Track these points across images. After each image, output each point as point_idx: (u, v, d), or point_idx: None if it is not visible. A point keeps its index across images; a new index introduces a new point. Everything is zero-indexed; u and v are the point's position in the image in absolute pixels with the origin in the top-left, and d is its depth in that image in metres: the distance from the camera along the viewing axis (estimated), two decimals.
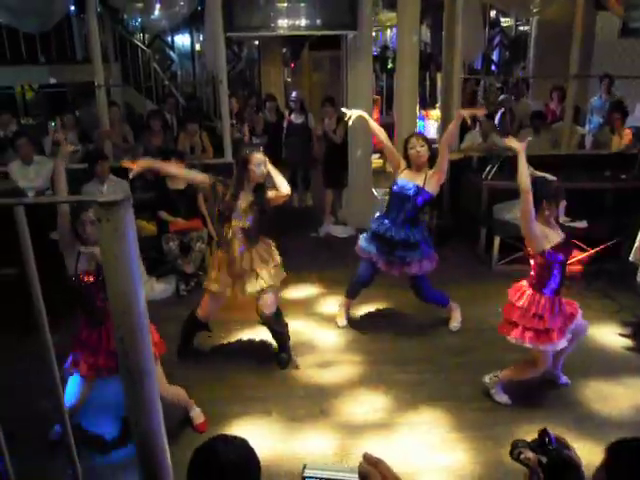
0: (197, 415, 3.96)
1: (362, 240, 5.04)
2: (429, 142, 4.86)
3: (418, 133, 5.16)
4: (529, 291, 3.85)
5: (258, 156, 4.24)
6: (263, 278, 4.35)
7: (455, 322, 5.22)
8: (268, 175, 4.35)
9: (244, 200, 4.28)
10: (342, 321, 5.31)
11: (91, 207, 3.42)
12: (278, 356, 4.72)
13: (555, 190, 3.77)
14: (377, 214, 5.10)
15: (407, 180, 4.79)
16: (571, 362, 4.33)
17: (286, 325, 4.74)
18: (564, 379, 4.33)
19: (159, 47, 12.91)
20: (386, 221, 4.89)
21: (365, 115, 4.88)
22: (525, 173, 3.65)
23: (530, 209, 3.64)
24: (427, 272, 4.97)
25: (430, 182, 4.74)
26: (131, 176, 4.12)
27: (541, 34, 10.63)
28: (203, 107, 10.85)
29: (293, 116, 8.32)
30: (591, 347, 4.83)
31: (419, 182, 4.74)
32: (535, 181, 3.75)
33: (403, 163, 4.86)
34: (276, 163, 8.58)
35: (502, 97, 9.54)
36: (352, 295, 5.30)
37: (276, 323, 4.64)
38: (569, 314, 3.92)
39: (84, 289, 3.49)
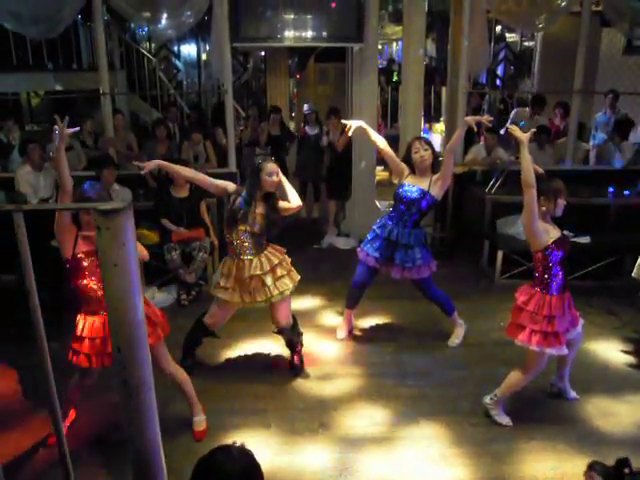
0: (199, 422, 3.96)
1: (365, 244, 5.01)
2: (432, 145, 4.87)
3: (421, 137, 5.15)
4: (538, 294, 3.83)
5: (270, 165, 4.26)
6: (271, 286, 4.31)
7: (455, 339, 5.19)
8: (280, 186, 4.36)
9: (254, 207, 4.29)
10: (342, 333, 5.28)
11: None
12: (292, 364, 4.72)
13: (554, 187, 3.74)
14: (379, 219, 5.09)
15: (412, 184, 4.79)
16: (573, 378, 4.30)
17: (301, 334, 4.71)
18: (572, 394, 4.29)
19: (165, 56, 12.95)
20: (390, 223, 4.89)
21: (364, 125, 4.90)
22: (529, 167, 3.61)
23: (533, 206, 3.62)
24: (425, 277, 4.96)
25: (434, 187, 4.74)
26: (142, 173, 4.20)
27: (546, 50, 10.66)
28: (207, 116, 10.87)
29: (307, 128, 8.31)
30: (593, 363, 4.80)
31: (424, 186, 4.74)
32: (536, 177, 3.72)
33: (406, 169, 4.87)
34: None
35: (515, 111, 9.49)
36: (352, 303, 5.26)
37: (292, 332, 4.62)
38: (574, 316, 3.92)
39: (84, 270, 3.47)
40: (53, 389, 1.51)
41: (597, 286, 6.16)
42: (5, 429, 3.93)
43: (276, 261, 4.37)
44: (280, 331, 4.61)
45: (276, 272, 4.36)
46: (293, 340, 4.64)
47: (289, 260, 4.52)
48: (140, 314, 1.40)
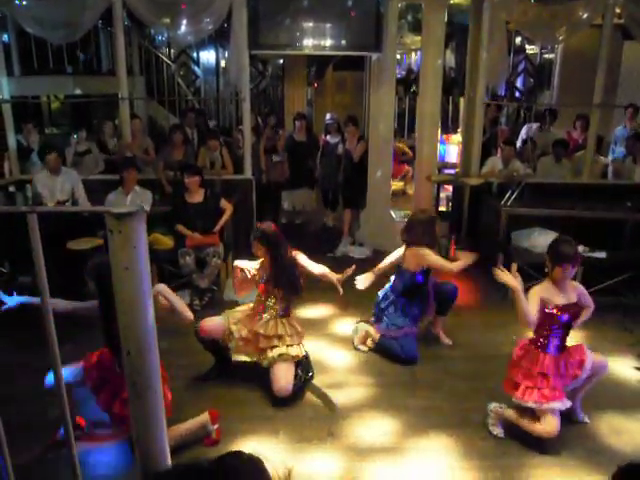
0: (212, 430, 3.91)
1: (405, 324, 5.09)
2: None
3: None
4: (533, 350, 3.82)
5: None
6: (272, 350, 4.39)
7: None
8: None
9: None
10: (363, 346, 5.27)
11: None
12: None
13: (562, 253, 3.69)
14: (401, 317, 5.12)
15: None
16: (585, 394, 4.23)
17: (310, 373, 4.65)
18: (582, 416, 4.19)
19: (184, 62, 13.06)
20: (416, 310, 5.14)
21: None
22: (522, 309, 3.62)
23: (521, 307, 3.62)
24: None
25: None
26: None
27: (566, 62, 10.63)
28: (217, 122, 10.94)
29: (329, 137, 8.30)
30: (606, 380, 4.72)
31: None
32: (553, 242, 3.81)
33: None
34: (299, 182, 8.61)
35: (526, 126, 9.47)
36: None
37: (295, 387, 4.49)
38: (577, 365, 3.83)
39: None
40: (63, 391, 1.51)
41: (612, 302, 6.09)
42: None
43: (282, 332, 4.44)
44: (278, 399, 4.35)
45: (285, 340, 4.43)
46: (299, 386, 4.53)
47: (301, 341, 4.59)
48: (150, 318, 1.40)
